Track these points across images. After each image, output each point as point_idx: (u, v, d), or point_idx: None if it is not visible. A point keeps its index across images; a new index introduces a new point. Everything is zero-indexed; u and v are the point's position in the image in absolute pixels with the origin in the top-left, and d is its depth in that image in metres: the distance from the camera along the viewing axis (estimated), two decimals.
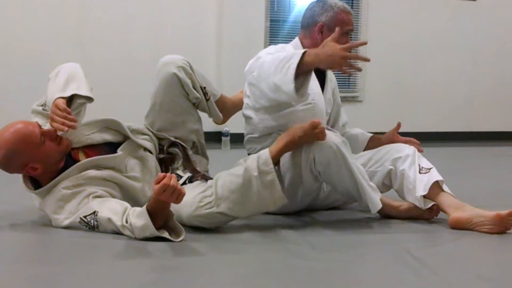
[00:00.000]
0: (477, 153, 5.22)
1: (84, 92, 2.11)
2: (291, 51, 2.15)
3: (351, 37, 2.48)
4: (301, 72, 2.05)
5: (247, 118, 2.43)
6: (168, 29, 5.25)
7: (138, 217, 1.86)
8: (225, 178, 2.03)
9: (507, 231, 2.06)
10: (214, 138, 5.04)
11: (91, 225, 1.95)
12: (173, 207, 1.90)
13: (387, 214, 2.29)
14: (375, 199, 2.13)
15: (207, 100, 2.36)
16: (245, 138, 2.46)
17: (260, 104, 2.29)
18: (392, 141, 2.50)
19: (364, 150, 2.55)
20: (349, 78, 5.85)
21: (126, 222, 1.88)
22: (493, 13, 6.13)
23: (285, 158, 2.17)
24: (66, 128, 1.98)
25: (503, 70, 6.24)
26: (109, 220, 1.91)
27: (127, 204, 1.97)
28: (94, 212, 1.94)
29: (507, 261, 1.83)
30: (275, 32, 5.57)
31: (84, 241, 1.88)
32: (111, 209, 1.94)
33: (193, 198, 1.95)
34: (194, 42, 5.31)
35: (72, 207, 1.99)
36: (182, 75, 2.23)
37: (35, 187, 2.08)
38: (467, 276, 1.63)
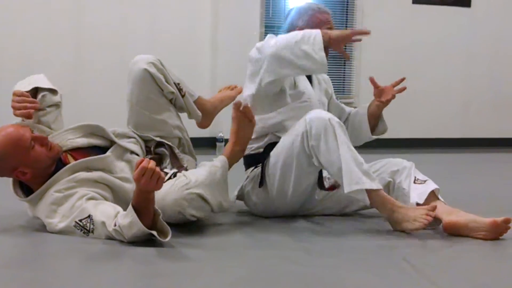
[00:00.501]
0: (472, 159, 5.23)
1: (46, 85, 2.19)
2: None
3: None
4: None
5: None
6: (164, 33, 5.24)
7: (125, 217, 1.84)
8: (193, 170, 2.17)
9: (500, 237, 2.05)
10: (209, 143, 5.04)
11: (87, 228, 1.93)
12: (158, 203, 1.89)
13: (384, 209, 2.19)
14: (355, 178, 2.07)
15: (183, 96, 2.36)
16: None
17: (276, 73, 2.23)
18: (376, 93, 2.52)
19: (368, 117, 2.54)
20: (343, 83, 5.85)
21: (115, 225, 1.86)
22: (488, 20, 6.15)
23: (280, 141, 2.25)
24: (32, 111, 2.03)
25: (499, 77, 6.25)
26: (103, 224, 1.90)
27: (119, 208, 1.95)
28: (89, 216, 1.92)
29: (503, 268, 1.82)
30: None
31: (75, 246, 1.86)
32: (104, 212, 1.93)
33: (170, 187, 1.99)
34: (189, 47, 5.31)
35: (65, 210, 1.97)
36: (153, 70, 2.22)
37: (27, 194, 2.05)
38: (464, 284, 1.62)
